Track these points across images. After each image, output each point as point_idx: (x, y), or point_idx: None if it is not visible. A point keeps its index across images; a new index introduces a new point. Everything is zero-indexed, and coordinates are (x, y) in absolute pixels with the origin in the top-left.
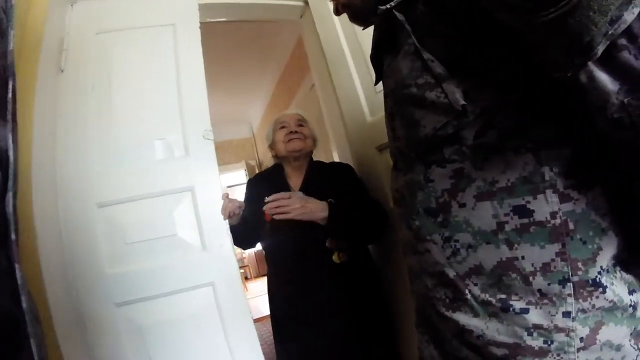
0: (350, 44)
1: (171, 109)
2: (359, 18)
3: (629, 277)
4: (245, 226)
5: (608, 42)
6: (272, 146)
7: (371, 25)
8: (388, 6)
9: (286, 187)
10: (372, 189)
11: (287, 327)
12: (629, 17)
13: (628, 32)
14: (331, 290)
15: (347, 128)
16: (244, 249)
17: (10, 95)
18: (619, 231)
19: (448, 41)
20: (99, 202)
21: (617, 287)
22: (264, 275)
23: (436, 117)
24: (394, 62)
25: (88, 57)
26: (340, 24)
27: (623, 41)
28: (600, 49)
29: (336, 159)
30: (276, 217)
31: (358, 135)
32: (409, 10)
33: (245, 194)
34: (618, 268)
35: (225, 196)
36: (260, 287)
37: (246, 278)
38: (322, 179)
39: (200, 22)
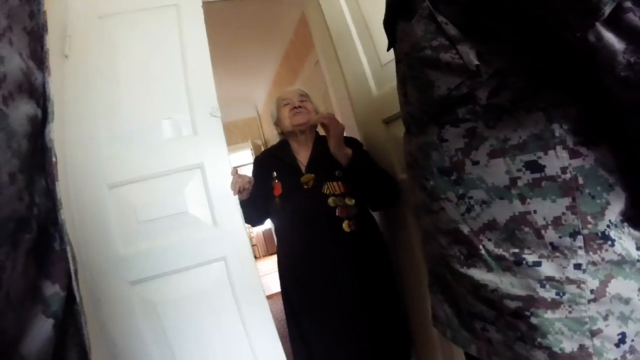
0: (354, 18)
1: (177, 88)
2: None
3: (636, 234)
4: (255, 202)
5: (615, 4)
6: (277, 123)
7: None
8: None
9: (294, 162)
10: (379, 162)
11: (298, 297)
12: None
13: None
14: (342, 258)
15: (353, 102)
16: (254, 225)
17: (46, 47)
18: (626, 188)
19: (461, 6)
20: (109, 184)
21: (625, 242)
22: (272, 254)
23: (450, 77)
24: (408, 26)
25: (92, 41)
26: None
27: (629, 4)
28: (607, 10)
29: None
30: (323, 119)
31: (364, 109)
32: None
33: (253, 170)
34: (626, 224)
35: (235, 172)
36: (269, 265)
37: (255, 257)
38: (328, 152)
39: (203, 2)
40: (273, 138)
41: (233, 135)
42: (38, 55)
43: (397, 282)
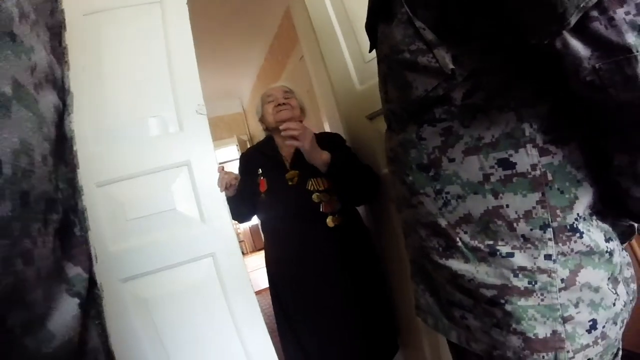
0: (338, 14)
1: (163, 85)
2: None
3: (605, 226)
4: (241, 198)
5: (581, 14)
6: (262, 120)
7: None
8: None
9: (278, 158)
10: (362, 156)
11: (287, 293)
12: None
13: (599, 5)
14: (327, 252)
15: (337, 98)
16: (240, 221)
17: (64, 43)
18: (594, 183)
19: (438, 12)
20: (97, 182)
21: (594, 234)
22: (259, 250)
23: (428, 79)
24: (388, 29)
25: (77, 38)
26: None
27: (595, 13)
28: (573, 20)
29: (327, 129)
30: (288, 142)
31: (348, 105)
32: None
33: (239, 167)
34: (594, 217)
35: (221, 169)
36: (256, 261)
37: (242, 253)
38: None
39: None
40: (259, 133)
41: (219, 130)
42: (57, 50)
43: (383, 274)
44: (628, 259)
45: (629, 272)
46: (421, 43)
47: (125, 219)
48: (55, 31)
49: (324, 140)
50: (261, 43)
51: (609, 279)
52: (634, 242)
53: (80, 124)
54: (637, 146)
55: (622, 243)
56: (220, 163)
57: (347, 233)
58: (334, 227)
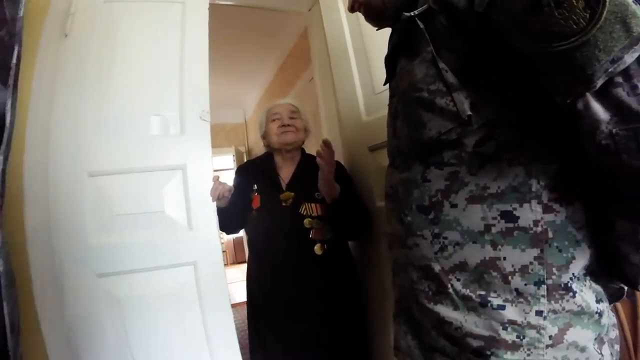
0: (354, 42)
1: (171, 85)
2: (376, 19)
3: (597, 287)
4: (232, 211)
5: (607, 78)
6: (264, 136)
7: (385, 27)
8: (412, 14)
9: (276, 177)
10: (360, 187)
11: (263, 312)
12: (629, 59)
13: (625, 71)
14: (310, 279)
15: (341, 125)
16: (228, 233)
17: (14, 61)
18: (592, 244)
19: (462, 56)
20: (89, 171)
21: (586, 295)
22: (241, 263)
23: (443, 122)
24: (409, 65)
25: (93, 24)
26: (347, 22)
27: (619, 79)
28: (599, 83)
29: None
30: (318, 160)
31: (352, 134)
32: (430, 21)
33: (234, 179)
34: (588, 278)
35: (216, 179)
36: (236, 273)
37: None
38: (311, 173)
39: (210, 3)
40: (257, 147)
41: (217, 138)
42: (3, 70)
43: (363, 308)
44: (614, 320)
45: (614, 333)
46: (442, 84)
47: (111, 213)
48: (6, 45)
49: None
50: (273, 58)
51: (595, 339)
52: (618, 304)
53: (83, 109)
54: (639, 214)
55: (610, 304)
56: (215, 170)
57: (332, 263)
58: (320, 254)
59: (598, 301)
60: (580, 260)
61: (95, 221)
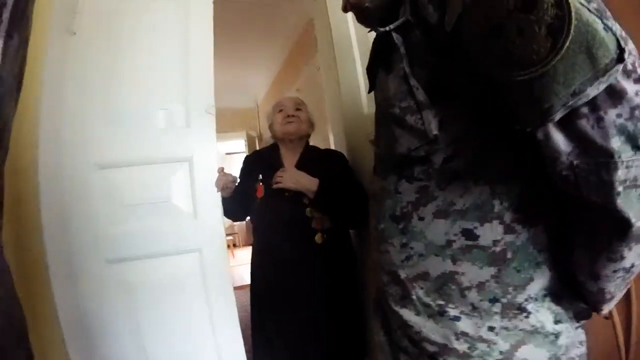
0: (358, 35)
1: (177, 80)
2: (365, 22)
3: (557, 309)
4: (237, 200)
5: (567, 111)
6: (270, 128)
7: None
8: (387, 28)
9: (280, 167)
10: (361, 178)
11: (264, 298)
12: (592, 91)
13: (592, 103)
14: (310, 267)
15: (344, 116)
16: (233, 220)
17: (7, 15)
18: (553, 267)
19: (435, 73)
20: (100, 164)
21: (542, 315)
22: (252, 244)
23: (412, 139)
24: (385, 79)
25: (100, 21)
26: (352, 14)
27: (585, 110)
28: (558, 116)
29: (331, 143)
30: (274, 186)
31: (354, 125)
32: (407, 35)
33: (242, 168)
34: (548, 299)
35: (221, 170)
36: (247, 255)
37: (234, 245)
38: (315, 163)
39: None
40: (268, 132)
41: (229, 122)
42: None
43: (362, 296)
44: (581, 337)
45: (577, 351)
46: (412, 102)
47: (121, 203)
48: None
49: (328, 157)
50: (282, 45)
51: (549, 358)
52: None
53: (91, 106)
54: (598, 247)
55: (577, 322)
56: (227, 153)
57: (332, 252)
58: (321, 243)
59: (556, 322)
60: (539, 282)
61: (105, 211)
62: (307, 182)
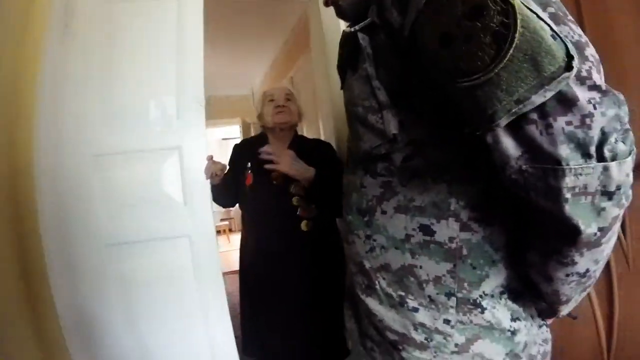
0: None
1: (168, 73)
2: (343, 18)
3: (514, 306)
4: (226, 187)
5: (512, 117)
6: (259, 117)
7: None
8: (354, 29)
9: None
10: None
11: (254, 289)
12: (537, 99)
13: (540, 108)
14: (296, 254)
15: (334, 108)
16: (223, 207)
17: None
18: (509, 265)
19: (397, 75)
20: (94, 153)
21: (498, 312)
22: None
23: (373, 137)
24: (351, 79)
25: (95, 21)
26: None
27: (534, 116)
28: (502, 122)
29: (322, 133)
30: (267, 166)
31: (343, 117)
32: (373, 36)
33: (231, 156)
34: (505, 296)
35: (210, 158)
36: None
37: (230, 230)
38: (303, 152)
39: None
40: None
41: (225, 109)
42: None
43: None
44: (544, 335)
45: (538, 349)
46: (374, 102)
47: (116, 191)
48: None
49: (316, 146)
50: (277, 35)
51: (507, 354)
52: (595, 303)
53: (88, 97)
54: (549, 250)
55: (543, 320)
56: (223, 138)
57: (318, 239)
58: (307, 231)
59: (514, 320)
60: (495, 279)
61: (101, 198)
62: (303, 170)
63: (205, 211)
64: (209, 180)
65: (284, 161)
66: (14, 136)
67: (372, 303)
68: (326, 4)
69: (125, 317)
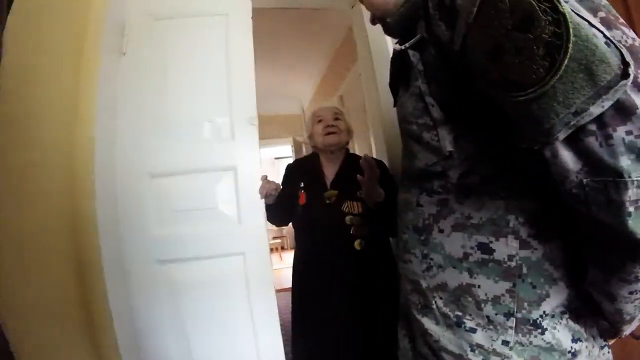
0: (394, 42)
1: (221, 94)
2: (391, 35)
3: (575, 326)
4: (280, 206)
5: (571, 130)
6: (310, 137)
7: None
8: (404, 47)
9: (320, 176)
10: None
11: (305, 306)
12: (596, 110)
13: (599, 120)
14: (349, 272)
15: (385, 124)
16: (277, 226)
17: None
18: (571, 284)
19: (449, 90)
20: (151, 173)
21: (559, 333)
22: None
23: (429, 155)
24: (404, 96)
25: (147, 41)
26: None
27: (593, 127)
28: (561, 135)
29: (373, 149)
30: (359, 177)
31: (395, 134)
32: (423, 51)
33: (284, 175)
34: (566, 316)
35: (264, 178)
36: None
37: (282, 248)
38: (354, 172)
39: (254, 8)
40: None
41: (275, 128)
42: None
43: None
44: (607, 356)
45: None
46: (428, 119)
47: (171, 209)
48: None
49: None
50: (324, 52)
51: None
52: None
53: (142, 118)
54: (611, 267)
55: (605, 340)
56: (275, 158)
57: (371, 259)
58: (360, 250)
59: (575, 340)
60: (556, 298)
61: (157, 216)
62: (381, 192)
63: (260, 230)
64: (263, 200)
65: (372, 179)
66: (75, 158)
67: (427, 323)
68: (373, 22)
69: (177, 331)
